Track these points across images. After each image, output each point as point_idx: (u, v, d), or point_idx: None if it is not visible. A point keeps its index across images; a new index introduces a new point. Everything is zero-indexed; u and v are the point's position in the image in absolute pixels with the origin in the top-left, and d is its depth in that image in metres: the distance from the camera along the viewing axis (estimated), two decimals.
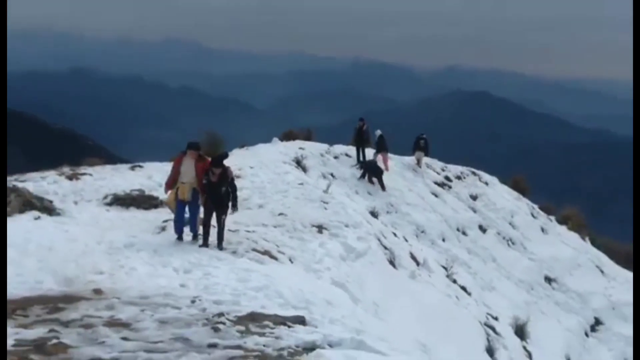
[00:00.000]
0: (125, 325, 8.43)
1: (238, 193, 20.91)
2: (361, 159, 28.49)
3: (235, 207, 14.96)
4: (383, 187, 26.51)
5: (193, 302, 10.14)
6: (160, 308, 9.58)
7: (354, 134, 29.30)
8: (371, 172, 26.98)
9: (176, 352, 7.45)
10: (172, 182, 14.77)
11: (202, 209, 14.79)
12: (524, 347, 20.32)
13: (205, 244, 14.42)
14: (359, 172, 27.35)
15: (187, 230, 14.97)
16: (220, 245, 14.45)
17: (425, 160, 31.92)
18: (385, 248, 19.26)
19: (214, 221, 14.63)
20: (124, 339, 7.71)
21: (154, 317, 8.92)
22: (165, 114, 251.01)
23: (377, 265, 17.65)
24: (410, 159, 31.30)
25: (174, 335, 8.09)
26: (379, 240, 19.43)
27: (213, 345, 7.79)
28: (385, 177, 27.10)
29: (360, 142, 28.86)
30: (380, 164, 28.15)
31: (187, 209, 14.73)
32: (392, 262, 18.77)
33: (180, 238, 14.75)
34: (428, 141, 31.67)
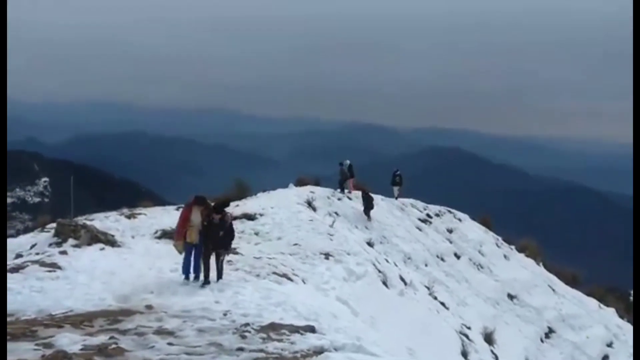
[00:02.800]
0: (170, 333, 8.37)
1: (260, 227, 20.95)
2: (345, 189, 29.21)
3: (228, 250, 13.90)
4: (369, 217, 26.37)
5: (225, 314, 10.08)
6: (199, 319, 9.53)
7: (340, 172, 30.00)
8: (366, 203, 26.82)
9: (211, 354, 7.39)
10: (182, 230, 13.43)
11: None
12: (492, 351, 20.11)
13: (207, 280, 13.03)
14: (338, 194, 28.15)
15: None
16: (219, 277, 13.28)
17: (407, 200, 31.88)
18: (379, 271, 19.15)
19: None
20: (170, 344, 7.65)
21: (194, 327, 8.86)
22: (202, 166, 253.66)
23: (373, 285, 17.57)
24: (398, 202, 31.18)
25: (209, 341, 8.04)
26: (374, 265, 19.35)
27: (240, 349, 7.73)
28: (378, 214, 27.00)
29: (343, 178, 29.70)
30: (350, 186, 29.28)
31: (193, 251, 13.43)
32: (385, 283, 18.65)
33: (187, 278, 13.37)
34: (402, 176, 31.97)
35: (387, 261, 21.78)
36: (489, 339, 20.76)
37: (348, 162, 30.01)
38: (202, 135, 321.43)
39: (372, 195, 27.76)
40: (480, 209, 40.40)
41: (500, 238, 33.41)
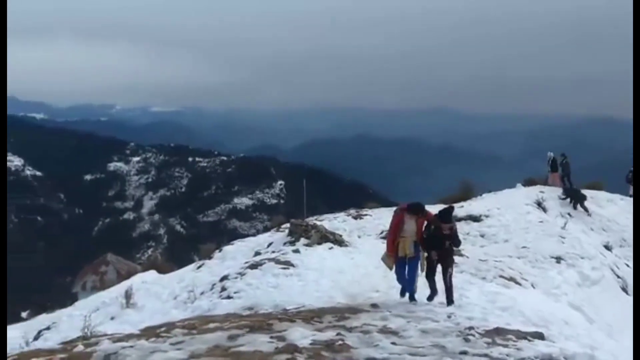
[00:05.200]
0: (394, 332, 8.51)
1: (486, 229, 20.46)
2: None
3: (455, 263, 12.16)
4: (587, 211, 24.48)
5: (449, 317, 10.01)
6: (422, 320, 9.57)
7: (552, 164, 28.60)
8: (575, 199, 25.02)
9: (434, 356, 7.38)
10: (394, 241, 11.62)
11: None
12: None
13: (432, 298, 11.55)
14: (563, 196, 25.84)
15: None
16: (450, 302, 11.32)
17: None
18: (618, 277, 17.75)
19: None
20: (393, 343, 7.77)
21: (417, 327, 8.92)
22: (427, 166, 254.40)
23: (610, 291, 16.36)
24: None
25: (433, 343, 8.02)
26: (612, 270, 17.97)
27: (464, 353, 7.61)
28: (617, 215, 24.98)
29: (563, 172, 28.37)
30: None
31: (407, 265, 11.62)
32: (624, 289, 17.23)
33: (402, 295, 11.78)
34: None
35: (627, 266, 20.05)
36: None
37: (551, 154, 28.93)
38: (427, 136, 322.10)
39: (582, 191, 25.93)
40: None
41: None
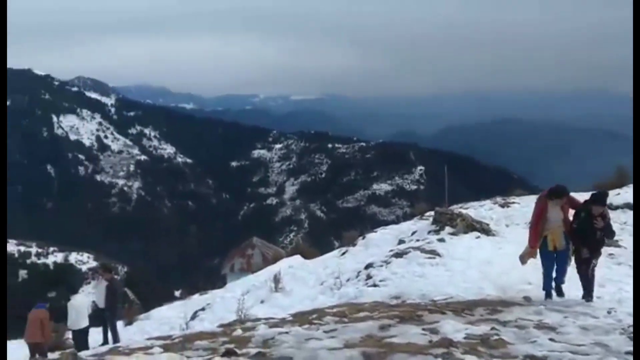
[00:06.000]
0: (551, 328, 8.13)
1: None
2: None
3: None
4: None
5: (609, 312, 9.42)
6: (581, 316, 9.08)
7: None
8: None
9: (597, 355, 6.97)
10: (539, 231, 10.50)
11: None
12: None
13: (590, 296, 10.30)
14: None
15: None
16: (589, 297, 10.28)
17: None
18: None
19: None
20: (551, 340, 7.43)
21: (576, 324, 8.46)
22: (575, 151, 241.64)
23: None
24: None
25: (594, 341, 7.58)
26: None
27: (629, 353, 7.13)
28: None
29: None
30: None
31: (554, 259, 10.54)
32: None
33: (549, 295, 10.59)
34: None
35: None
36: None
37: None
38: (573, 119, 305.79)
39: None
40: None
41: None
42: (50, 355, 9.06)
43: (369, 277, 13.71)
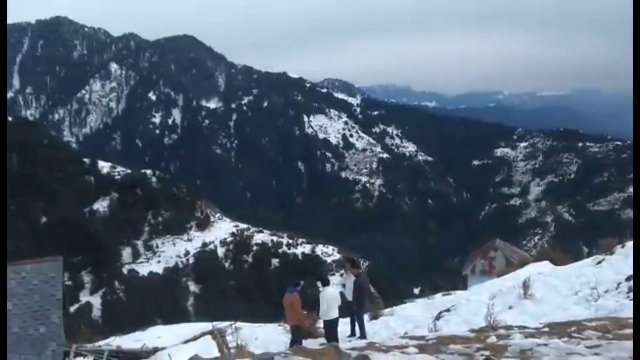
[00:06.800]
0: None
1: None
2: None
3: None
4: None
5: None
6: None
7: None
8: None
9: None
10: None
11: None
12: None
13: None
14: None
15: None
16: None
17: None
18: None
19: None
20: None
21: None
22: None
23: None
24: None
25: None
26: None
27: None
28: None
29: None
30: None
31: None
32: None
33: None
34: None
35: None
36: None
37: None
38: None
39: None
40: None
41: None
42: (306, 343, 9.64)
43: (631, 290, 12.54)
